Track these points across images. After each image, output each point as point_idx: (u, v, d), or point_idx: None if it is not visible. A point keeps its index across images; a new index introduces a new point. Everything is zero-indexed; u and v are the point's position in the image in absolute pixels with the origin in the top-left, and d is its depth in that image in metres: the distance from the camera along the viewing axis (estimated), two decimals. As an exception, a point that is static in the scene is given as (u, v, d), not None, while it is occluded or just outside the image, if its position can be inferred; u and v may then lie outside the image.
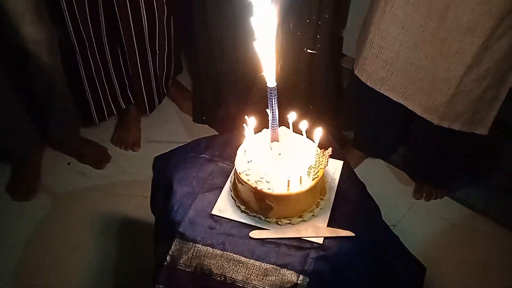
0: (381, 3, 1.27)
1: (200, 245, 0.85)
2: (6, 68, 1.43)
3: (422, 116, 1.32)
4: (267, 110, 0.85)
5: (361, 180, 1.02)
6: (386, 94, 1.37)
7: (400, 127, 1.51)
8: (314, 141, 0.89)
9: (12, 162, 1.64)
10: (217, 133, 1.73)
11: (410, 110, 1.35)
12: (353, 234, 0.84)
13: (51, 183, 1.61)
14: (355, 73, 1.42)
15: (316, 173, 0.85)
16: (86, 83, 1.56)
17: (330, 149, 0.88)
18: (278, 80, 0.83)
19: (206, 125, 1.80)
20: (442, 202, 1.52)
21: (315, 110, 1.58)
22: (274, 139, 0.90)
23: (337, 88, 1.67)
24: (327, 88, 1.61)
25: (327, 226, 0.86)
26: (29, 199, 1.55)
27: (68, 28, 1.41)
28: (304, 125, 0.90)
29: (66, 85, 1.53)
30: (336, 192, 0.92)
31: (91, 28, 1.45)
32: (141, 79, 1.64)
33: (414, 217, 1.48)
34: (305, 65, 1.48)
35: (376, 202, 1.02)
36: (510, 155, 1.54)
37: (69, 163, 1.68)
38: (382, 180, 1.59)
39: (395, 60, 1.31)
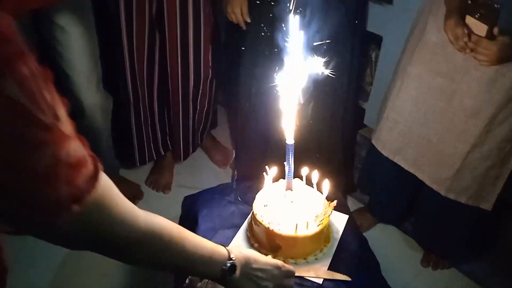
0: (398, 83, 1.45)
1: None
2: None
3: (430, 186, 1.43)
4: (284, 163, 1.01)
5: (371, 243, 1.13)
6: (399, 164, 1.50)
7: (411, 196, 1.61)
8: (322, 193, 1.03)
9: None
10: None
11: (421, 180, 1.47)
12: (349, 279, 0.94)
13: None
14: (372, 142, 1.57)
15: (321, 220, 0.97)
16: (134, 131, 1.77)
17: (335, 202, 1.01)
18: (297, 138, 0.98)
19: (231, 175, 1.96)
20: (448, 273, 1.57)
21: (330, 170, 1.72)
22: (289, 188, 1.04)
23: (352, 155, 1.81)
24: (343, 152, 1.75)
25: (327, 269, 0.97)
26: None
27: (128, 88, 1.64)
28: (315, 178, 1.04)
29: (111, 136, 1.72)
30: (339, 241, 1.03)
31: (145, 87, 1.69)
32: (181, 130, 1.84)
33: (419, 284, 1.53)
34: (326, 130, 1.64)
35: (384, 265, 1.11)
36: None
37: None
38: (392, 245, 1.66)
39: (408, 133, 1.45)
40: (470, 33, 1.12)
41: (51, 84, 0.45)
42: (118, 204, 0.53)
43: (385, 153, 1.52)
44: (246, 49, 1.62)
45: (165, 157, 1.94)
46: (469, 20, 1.10)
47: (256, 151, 1.75)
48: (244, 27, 1.59)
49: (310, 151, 1.61)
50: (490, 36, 1.09)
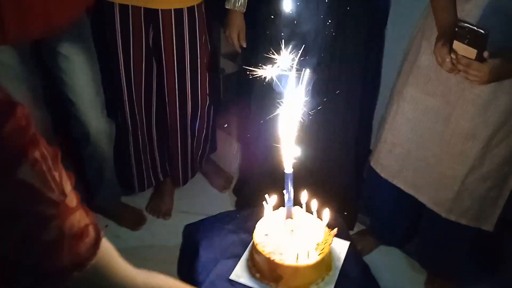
0: (394, 106, 1.46)
1: (217, 306, 0.96)
2: (63, 149, 1.66)
3: (431, 208, 1.43)
4: (284, 191, 1.01)
5: (373, 265, 1.13)
6: (399, 186, 1.50)
7: (412, 217, 1.61)
8: (323, 222, 1.03)
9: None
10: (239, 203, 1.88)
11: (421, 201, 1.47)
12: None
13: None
14: (371, 165, 1.58)
15: (322, 249, 0.97)
16: (133, 158, 1.78)
17: (336, 229, 1.01)
18: (297, 166, 0.99)
19: (232, 199, 1.95)
20: (453, 295, 1.56)
21: (330, 198, 1.72)
22: (289, 216, 1.05)
23: (356, 178, 1.81)
24: (346, 177, 1.75)
25: (330, 299, 0.97)
26: None
27: (125, 115, 1.67)
28: (315, 205, 1.05)
29: (113, 162, 1.74)
30: (340, 269, 1.03)
31: (144, 115, 1.71)
32: (179, 156, 1.84)
33: (424, 307, 1.52)
34: (319, 154, 1.65)
35: (387, 288, 1.11)
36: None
37: (106, 226, 1.85)
38: (395, 267, 1.65)
39: (406, 156, 1.46)
40: (460, 56, 1.13)
41: (59, 162, 0.50)
42: (117, 267, 0.56)
43: (384, 175, 1.53)
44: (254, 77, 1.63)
45: (165, 183, 1.94)
46: (458, 45, 1.12)
47: (258, 178, 1.75)
48: (239, 50, 1.63)
49: (313, 174, 1.62)
50: (480, 59, 1.10)
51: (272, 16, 1.45)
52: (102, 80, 1.56)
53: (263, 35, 1.51)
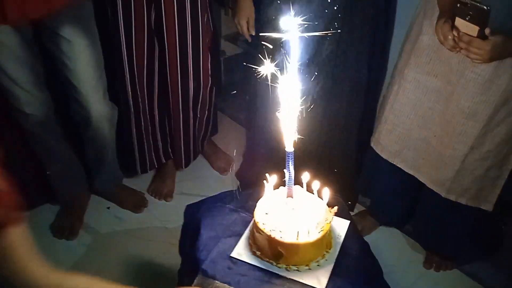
0: (395, 86, 1.46)
1: (219, 282, 0.97)
2: (64, 131, 1.65)
3: (431, 188, 1.44)
4: (285, 170, 1.02)
5: (373, 245, 1.14)
6: (399, 166, 1.51)
7: (412, 197, 1.62)
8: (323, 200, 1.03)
9: (60, 205, 1.82)
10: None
11: (421, 181, 1.47)
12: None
13: (91, 225, 1.78)
14: (371, 145, 1.58)
15: (322, 227, 0.98)
16: (135, 140, 1.78)
17: (335, 208, 1.02)
18: (297, 145, 0.99)
19: (232, 181, 1.96)
20: (451, 274, 1.57)
21: (333, 175, 1.72)
22: (289, 196, 1.05)
23: (356, 158, 1.82)
24: (347, 157, 1.76)
25: (330, 276, 0.98)
26: (71, 239, 1.72)
27: (128, 97, 1.66)
28: (316, 185, 1.05)
29: (115, 145, 1.74)
30: (340, 247, 1.04)
31: (146, 96, 1.71)
32: (182, 138, 1.85)
33: (422, 286, 1.53)
34: (323, 136, 1.65)
35: (387, 268, 1.12)
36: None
37: (108, 208, 1.86)
38: (394, 247, 1.67)
39: (407, 136, 1.46)
40: (462, 33, 1.12)
41: None
42: (25, 259, 0.60)
43: (384, 155, 1.53)
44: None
45: (167, 165, 1.95)
46: (459, 22, 1.11)
47: (260, 157, 1.75)
48: (249, 39, 1.60)
49: (315, 156, 1.62)
50: (482, 36, 1.09)
51: (279, 1, 1.42)
52: (104, 62, 1.56)
53: (268, 19, 1.49)
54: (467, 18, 1.08)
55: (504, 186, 1.35)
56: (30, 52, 1.42)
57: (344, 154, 1.71)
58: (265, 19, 1.52)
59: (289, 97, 0.95)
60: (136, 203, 1.86)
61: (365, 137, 1.65)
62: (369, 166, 1.69)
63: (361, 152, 1.71)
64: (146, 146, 1.83)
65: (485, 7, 1.04)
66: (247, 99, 2.00)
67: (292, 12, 1.42)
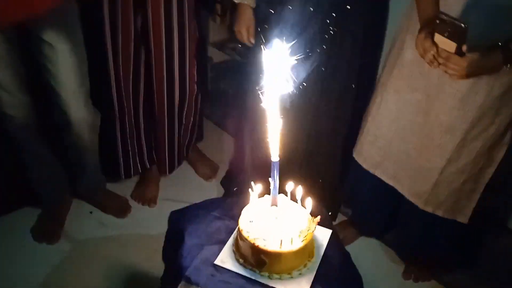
0: (378, 98, 1.50)
1: (202, 289, 0.99)
2: (46, 134, 1.63)
3: (409, 199, 1.48)
4: (270, 178, 1.04)
5: (354, 255, 1.16)
6: (380, 177, 1.55)
7: (392, 208, 1.66)
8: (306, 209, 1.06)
9: (41, 208, 1.80)
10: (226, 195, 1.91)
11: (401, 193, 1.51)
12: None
13: (73, 230, 1.76)
14: (353, 156, 1.61)
15: (305, 236, 1.00)
16: (120, 145, 1.78)
17: (318, 217, 1.04)
18: (283, 154, 1.01)
19: (217, 188, 1.98)
20: (430, 285, 1.61)
21: (318, 184, 1.75)
22: (274, 204, 1.07)
23: (341, 168, 1.85)
24: (331, 167, 1.79)
25: (311, 285, 1.00)
26: (52, 243, 1.70)
27: (113, 102, 1.66)
28: (299, 194, 1.08)
29: (98, 151, 1.73)
30: (322, 256, 1.06)
31: (131, 101, 1.71)
32: (166, 144, 1.86)
33: (401, 296, 1.57)
34: (309, 146, 1.68)
35: (367, 278, 1.14)
36: (493, 244, 1.65)
37: (91, 212, 1.85)
38: (374, 258, 1.70)
39: (387, 148, 1.50)
40: (441, 49, 1.16)
41: None
42: None
43: (366, 166, 1.57)
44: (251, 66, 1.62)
45: (151, 170, 1.95)
46: (439, 38, 1.15)
47: (245, 165, 1.77)
48: (250, 46, 1.60)
49: (301, 166, 1.64)
50: (459, 53, 1.13)
51: (272, 11, 1.45)
52: (90, 67, 1.56)
53: (261, 29, 1.51)
54: (445, 35, 1.13)
55: (483, 198, 1.40)
56: (14, 54, 1.42)
57: (329, 164, 1.74)
58: (257, 29, 1.55)
59: (275, 107, 0.97)
60: (120, 208, 1.85)
61: (350, 148, 1.69)
62: (352, 177, 1.73)
63: (346, 163, 1.75)
64: (130, 151, 1.83)
65: (462, 25, 1.09)
66: (234, 106, 2.03)
67: (283, 26, 1.46)
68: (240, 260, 1.04)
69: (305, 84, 1.49)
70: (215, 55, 2.60)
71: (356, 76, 1.59)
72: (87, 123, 1.60)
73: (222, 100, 2.42)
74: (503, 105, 1.27)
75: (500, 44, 1.14)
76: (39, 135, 1.63)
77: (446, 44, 1.13)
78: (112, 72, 1.62)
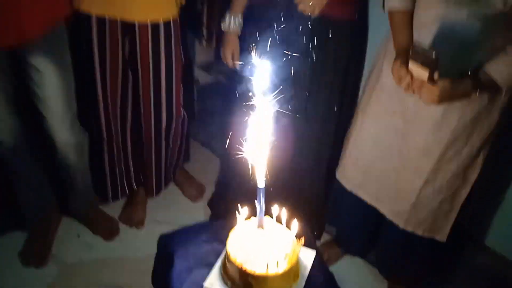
0: (358, 121, 1.57)
1: (191, 313, 1.02)
2: (35, 154, 1.65)
3: (390, 219, 1.54)
4: (256, 201, 1.08)
5: (338, 274, 1.21)
6: (362, 197, 1.60)
7: (374, 228, 1.71)
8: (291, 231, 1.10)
9: (28, 231, 1.79)
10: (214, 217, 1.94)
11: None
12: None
13: (61, 253, 1.76)
14: (336, 177, 1.67)
15: (291, 258, 1.05)
16: (107, 167, 1.81)
17: (302, 239, 1.09)
18: (268, 180, 1.06)
19: (204, 209, 2.00)
20: (411, 301, 1.66)
21: (303, 204, 1.80)
22: (260, 227, 1.12)
23: (325, 188, 1.90)
24: (316, 188, 1.84)
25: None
26: (39, 267, 1.69)
27: (101, 125, 1.69)
28: (284, 217, 1.12)
29: (88, 171, 1.76)
30: (307, 278, 1.11)
31: (119, 124, 1.74)
32: (153, 166, 1.88)
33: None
34: (294, 167, 1.73)
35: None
36: (471, 261, 1.72)
37: (78, 236, 1.86)
38: (358, 276, 1.74)
39: (368, 169, 1.56)
40: (414, 77, 1.23)
41: None
42: None
43: (348, 187, 1.63)
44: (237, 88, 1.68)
45: (138, 192, 1.97)
46: (412, 66, 1.22)
47: (232, 186, 1.81)
48: (235, 68, 1.67)
49: (286, 186, 1.69)
50: (431, 80, 1.19)
51: (257, 37, 1.51)
52: (78, 89, 1.58)
53: (247, 53, 1.58)
54: (419, 63, 1.20)
55: (460, 217, 1.46)
56: (3, 77, 1.44)
57: (314, 185, 1.80)
58: (243, 53, 1.61)
59: (260, 134, 1.01)
60: (109, 230, 1.86)
61: (333, 168, 1.75)
62: (336, 197, 1.78)
63: (330, 183, 1.80)
64: (118, 174, 1.86)
65: (433, 55, 1.17)
66: (220, 127, 2.07)
67: (267, 50, 1.52)
68: (228, 282, 1.07)
69: (289, 107, 1.55)
70: (202, 77, 2.66)
71: (338, 99, 1.66)
72: (73, 145, 1.62)
73: (208, 121, 2.47)
74: (475, 129, 1.34)
75: (469, 73, 1.22)
76: (26, 156, 1.64)
77: (419, 72, 1.21)
78: (100, 96, 1.65)
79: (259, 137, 1.01)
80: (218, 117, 2.44)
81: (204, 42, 2.50)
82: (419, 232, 1.49)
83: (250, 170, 1.05)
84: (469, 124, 1.33)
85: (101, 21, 1.54)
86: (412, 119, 1.39)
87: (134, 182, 1.93)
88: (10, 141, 1.55)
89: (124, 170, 1.88)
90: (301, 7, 1.43)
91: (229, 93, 1.83)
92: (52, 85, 1.47)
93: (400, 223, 1.50)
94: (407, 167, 1.44)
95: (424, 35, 1.28)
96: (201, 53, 2.57)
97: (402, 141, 1.44)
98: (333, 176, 1.71)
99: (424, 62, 1.19)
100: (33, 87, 1.47)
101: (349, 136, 1.63)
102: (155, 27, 1.58)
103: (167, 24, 1.59)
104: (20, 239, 1.79)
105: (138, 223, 1.92)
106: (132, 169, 1.90)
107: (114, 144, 1.77)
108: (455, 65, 1.24)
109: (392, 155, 1.48)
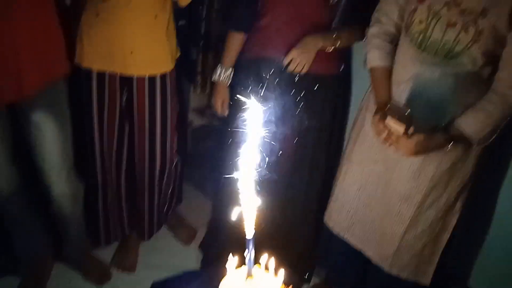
0: (343, 169, 1.65)
1: None
2: (32, 202, 1.70)
3: (375, 262, 1.59)
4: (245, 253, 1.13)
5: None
6: (348, 241, 1.66)
7: (362, 270, 1.76)
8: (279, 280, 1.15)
9: (21, 275, 1.80)
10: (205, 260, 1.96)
11: (368, 256, 1.62)
12: None
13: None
14: (324, 220, 1.73)
15: (278, 307, 1.09)
16: (101, 211, 1.85)
17: (290, 287, 1.13)
18: (257, 229, 1.11)
19: (195, 253, 2.03)
20: None
21: (292, 248, 1.84)
22: (249, 275, 1.16)
23: (315, 231, 1.95)
24: (305, 231, 1.89)
25: None
26: None
27: (96, 172, 1.75)
28: (272, 265, 1.17)
29: (82, 220, 1.79)
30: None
31: (114, 171, 1.80)
32: (146, 211, 1.92)
33: None
34: (283, 212, 1.79)
35: None
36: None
37: (70, 281, 1.86)
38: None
39: (354, 214, 1.63)
40: (392, 131, 1.33)
41: None
42: None
43: (335, 231, 1.69)
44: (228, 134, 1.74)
45: (130, 236, 2.00)
46: (390, 120, 1.32)
47: (223, 230, 1.84)
48: (224, 116, 1.76)
49: (275, 231, 1.73)
50: (407, 134, 1.29)
51: (246, 88, 1.60)
52: (75, 138, 1.64)
53: (236, 101, 1.67)
54: (395, 118, 1.31)
55: (442, 260, 1.51)
56: (3, 129, 1.50)
57: (303, 228, 1.85)
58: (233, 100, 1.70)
59: (249, 189, 1.07)
60: (100, 275, 1.88)
61: (322, 211, 1.81)
62: (324, 240, 1.83)
63: (318, 226, 1.86)
64: (111, 218, 1.89)
65: (407, 111, 1.27)
66: (212, 170, 2.13)
67: (256, 98, 1.61)
68: (218, 332, 1.10)
69: (279, 155, 1.63)
70: (195, 119, 2.74)
71: (324, 147, 1.74)
72: (68, 196, 1.67)
73: (201, 163, 2.53)
74: (452, 177, 1.43)
75: (441, 127, 1.32)
76: (23, 203, 1.68)
77: (396, 126, 1.31)
78: (96, 144, 1.72)
79: (248, 191, 1.07)
80: (211, 160, 2.51)
81: (198, 88, 2.61)
82: (404, 275, 1.54)
83: (239, 220, 1.10)
84: (446, 173, 1.42)
85: (101, 75, 1.63)
86: (393, 167, 1.47)
87: (126, 226, 1.97)
88: (7, 190, 1.60)
89: (117, 215, 1.91)
90: (290, 67, 1.54)
91: (222, 136, 1.91)
92: (50, 139, 1.52)
93: (385, 266, 1.55)
94: (390, 212, 1.51)
95: (400, 90, 1.39)
96: (195, 97, 2.66)
97: (384, 188, 1.52)
98: (321, 218, 1.77)
99: (400, 117, 1.29)
100: (31, 140, 1.53)
101: (336, 182, 1.70)
102: (152, 79, 1.67)
103: (163, 76, 1.69)
104: (14, 284, 1.79)
105: (130, 268, 1.93)
106: (125, 213, 1.94)
107: (109, 190, 1.82)
108: (429, 120, 1.34)
109: (376, 201, 1.55)
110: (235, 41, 1.67)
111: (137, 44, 1.59)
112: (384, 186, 1.51)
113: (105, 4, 1.53)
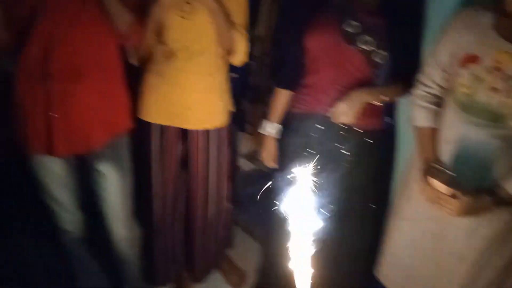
0: (394, 223, 1.63)
1: None
2: (95, 245, 1.85)
3: None
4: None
5: None
6: None
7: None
8: None
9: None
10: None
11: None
12: None
13: None
14: (376, 275, 1.70)
15: None
16: (157, 255, 1.95)
17: None
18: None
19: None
20: None
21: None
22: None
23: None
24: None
25: None
26: None
27: (153, 217, 1.86)
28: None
29: (137, 263, 1.90)
30: None
31: (170, 217, 1.91)
32: (200, 255, 2.00)
33: None
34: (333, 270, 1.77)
35: None
36: None
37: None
38: None
39: (406, 271, 1.58)
40: (440, 193, 1.33)
41: None
42: None
43: (387, 286, 1.66)
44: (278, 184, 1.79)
45: (184, 279, 2.07)
46: (435, 182, 1.32)
47: (273, 278, 1.87)
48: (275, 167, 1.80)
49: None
50: (453, 195, 1.29)
51: (297, 148, 1.65)
52: (135, 186, 1.77)
53: (286, 157, 1.73)
54: (440, 180, 1.32)
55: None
56: (72, 177, 1.67)
57: (353, 281, 1.84)
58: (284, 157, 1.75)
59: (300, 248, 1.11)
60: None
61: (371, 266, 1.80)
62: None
63: (370, 277, 1.84)
64: (166, 262, 1.98)
65: (451, 174, 1.27)
66: (262, 215, 2.17)
67: (304, 154, 1.65)
68: None
69: (329, 215, 1.65)
70: (245, 164, 2.83)
71: (371, 201, 1.75)
72: (128, 239, 1.80)
73: (250, 208, 2.58)
74: (508, 236, 1.39)
75: (486, 188, 1.32)
76: (88, 246, 1.83)
77: (442, 187, 1.32)
78: (155, 192, 1.84)
79: (300, 249, 1.09)
80: (260, 204, 2.55)
81: (248, 136, 2.71)
82: None
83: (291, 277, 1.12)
84: (500, 232, 1.38)
85: (160, 128, 1.77)
86: (446, 225, 1.45)
87: (180, 269, 2.05)
88: (76, 233, 1.76)
89: (172, 258, 2.00)
90: (337, 119, 1.57)
91: (271, 181, 1.96)
92: (113, 188, 1.67)
93: None
94: (444, 270, 1.48)
95: (447, 150, 1.40)
96: (245, 144, 2.76)
97: (438, 245, 1.48)
98: (371, 271, 1.75)
99: (444, 180, 1.30)
100: (97, 189, 1.69)
101: (386, 237, 1.69)
102: (208, 132, 1.79)
103: (219, 129, 1.80)
104: None
105: (183, 310, 2.01)
106: (179, 257, 2.02)
107: (165, 235, 1.93)
108: (473, 180, 1.33)
109: (429, 259, 1.52)
110: (282, 98, 1.73)
111: (194, 102, 1.73)
112: (438, 243, 1.48)
113: (167, 65, 1.69)
